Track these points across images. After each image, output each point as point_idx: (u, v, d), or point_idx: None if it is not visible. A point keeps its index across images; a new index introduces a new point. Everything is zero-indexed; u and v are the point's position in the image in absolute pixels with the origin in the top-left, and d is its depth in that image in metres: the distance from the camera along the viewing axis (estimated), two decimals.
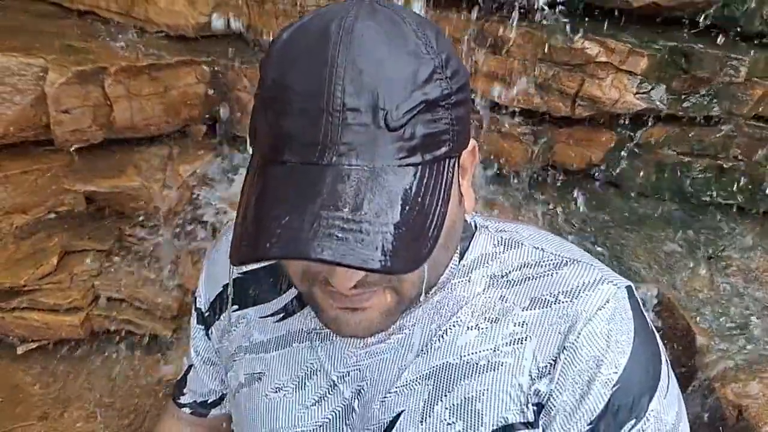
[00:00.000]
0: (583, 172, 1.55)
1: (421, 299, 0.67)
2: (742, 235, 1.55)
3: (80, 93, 1.39)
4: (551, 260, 0.71)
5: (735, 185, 1.54)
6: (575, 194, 1.57)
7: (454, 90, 0.57)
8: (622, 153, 1.51)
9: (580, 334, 0.65)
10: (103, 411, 1.45)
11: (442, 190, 0.56)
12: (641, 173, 1.55)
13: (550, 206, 1.56)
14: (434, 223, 0.55)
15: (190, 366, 0.96)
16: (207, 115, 1.61)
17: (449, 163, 0.58)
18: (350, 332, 0.64)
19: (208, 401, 0.96)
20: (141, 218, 1.56)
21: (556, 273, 0.70)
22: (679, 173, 1.54)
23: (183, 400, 0.97)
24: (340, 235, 0.51)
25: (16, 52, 1.36)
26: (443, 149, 0.57)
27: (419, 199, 0.54)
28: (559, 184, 1.58)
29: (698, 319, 1.34)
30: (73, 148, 1.45)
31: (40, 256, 1.48)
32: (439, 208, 0.56)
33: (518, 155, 1.50)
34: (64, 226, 1.54)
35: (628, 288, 0.69)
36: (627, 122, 1.47)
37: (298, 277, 0.64)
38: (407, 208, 0.54)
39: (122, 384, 1.51)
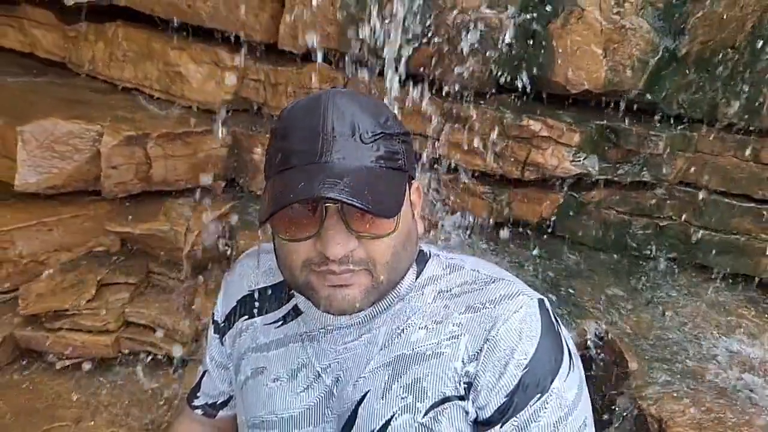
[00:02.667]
0: (537, 226, 1.64)
1: (389, 295, 0.83)
2: (677, 283, 1.63)
3: (127, 153, 1.54)
4: (483, 279, 0.86)
5: (670, 241, 1.62)
6: (530, 245, 1.65)
7: (402, 132, 0.81)
8: (570, 211, 1.61)
9: (499, 330, 0.79)
10: (127, 418, 1.51)
11: (400, 183, 0.79)
12: (588, 229, 1.63)
13: (509, 254, 1.63)
14: (397, 195, 0.77)
15: (205, 371, 1.06)
16: (226, 173, 1.76)
17: (403, 175, 0.81)
18: (339, 306, 0.78)
19: (218, 402, 1.06)
20: (166, 258, 1.67)
21: (486, 288, 0.84)
22: (621, 230, 1.62)
23: (196, 402, 1.07)
24: (338, 188, 0.71)
25: (79, 119, 1.52)
26: (399, 163, 0.79)
27: (385, 182, 0.76)
28: (516, 235, 1.67)
29: (633, 350, 1.39)
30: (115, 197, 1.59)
31: (81, 287, 1.59)
32: (399, 190, 0.78)
33: (481, 210, 1.61)
34: (101, 262, 1.66)
35: (540, 300, 0.84)
36: (570, 185, 1.57)
37: (298, 267, 0.79)
38: (378, 185, 0.75)
39: (144, 396, 1.57)
